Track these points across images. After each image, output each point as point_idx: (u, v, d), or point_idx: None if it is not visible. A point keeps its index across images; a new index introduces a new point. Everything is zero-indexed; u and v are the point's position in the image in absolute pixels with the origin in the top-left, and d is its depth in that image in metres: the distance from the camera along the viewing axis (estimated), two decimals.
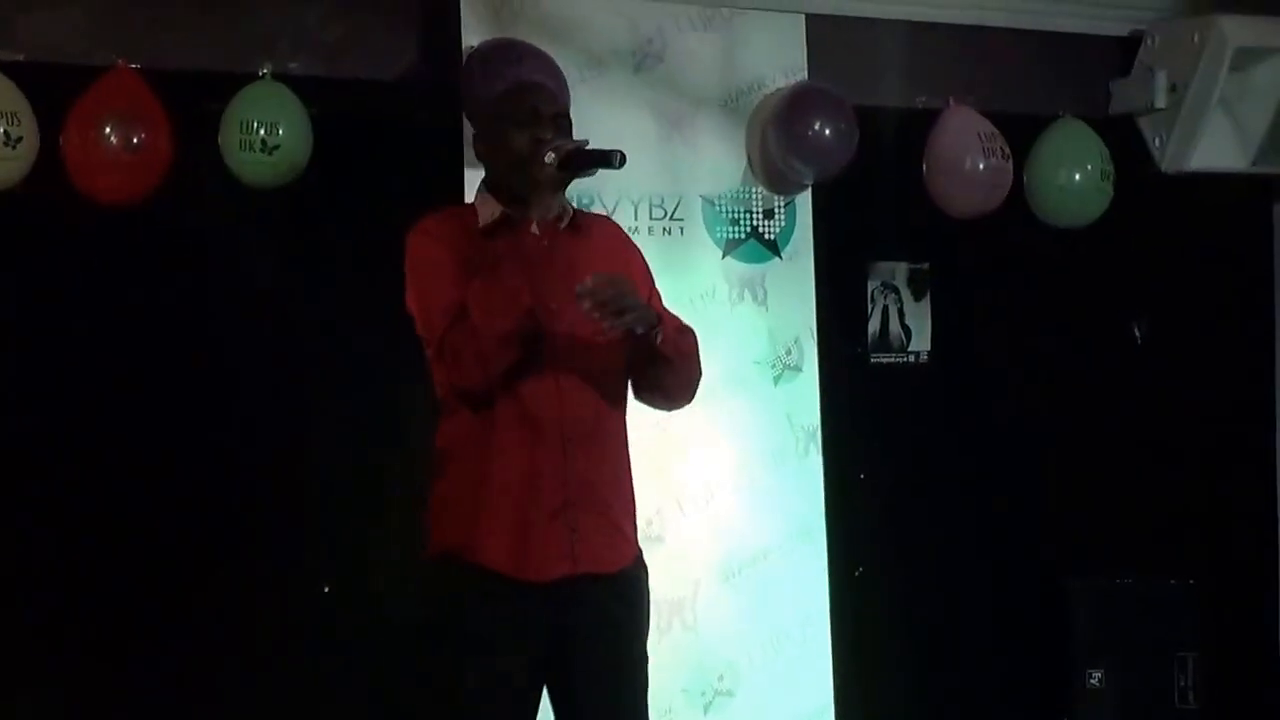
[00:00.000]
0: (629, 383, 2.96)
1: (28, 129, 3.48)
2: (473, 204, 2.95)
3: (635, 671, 2.91)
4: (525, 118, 2.83)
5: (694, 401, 3.64)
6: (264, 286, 3.87)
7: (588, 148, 2.79)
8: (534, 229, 2.74)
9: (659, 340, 2.81)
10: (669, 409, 3.01)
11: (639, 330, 2.76)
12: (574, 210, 2.94)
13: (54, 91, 3.52)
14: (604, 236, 2.99)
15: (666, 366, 2.86)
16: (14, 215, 3.60)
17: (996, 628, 4.60)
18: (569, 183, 2.82)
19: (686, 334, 2.93)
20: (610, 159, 2.72)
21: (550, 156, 2.74)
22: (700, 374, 2.98)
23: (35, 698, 3.65)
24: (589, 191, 3.85)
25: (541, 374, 2.80)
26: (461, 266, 2.76)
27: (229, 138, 3.64)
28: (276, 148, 3.63)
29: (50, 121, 3.53)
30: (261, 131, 3.62)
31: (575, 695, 2.86)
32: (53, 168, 3.54)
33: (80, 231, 3.68)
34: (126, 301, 3.76)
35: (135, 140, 3.52)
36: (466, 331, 2.69)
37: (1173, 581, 4.62)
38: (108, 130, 3.51)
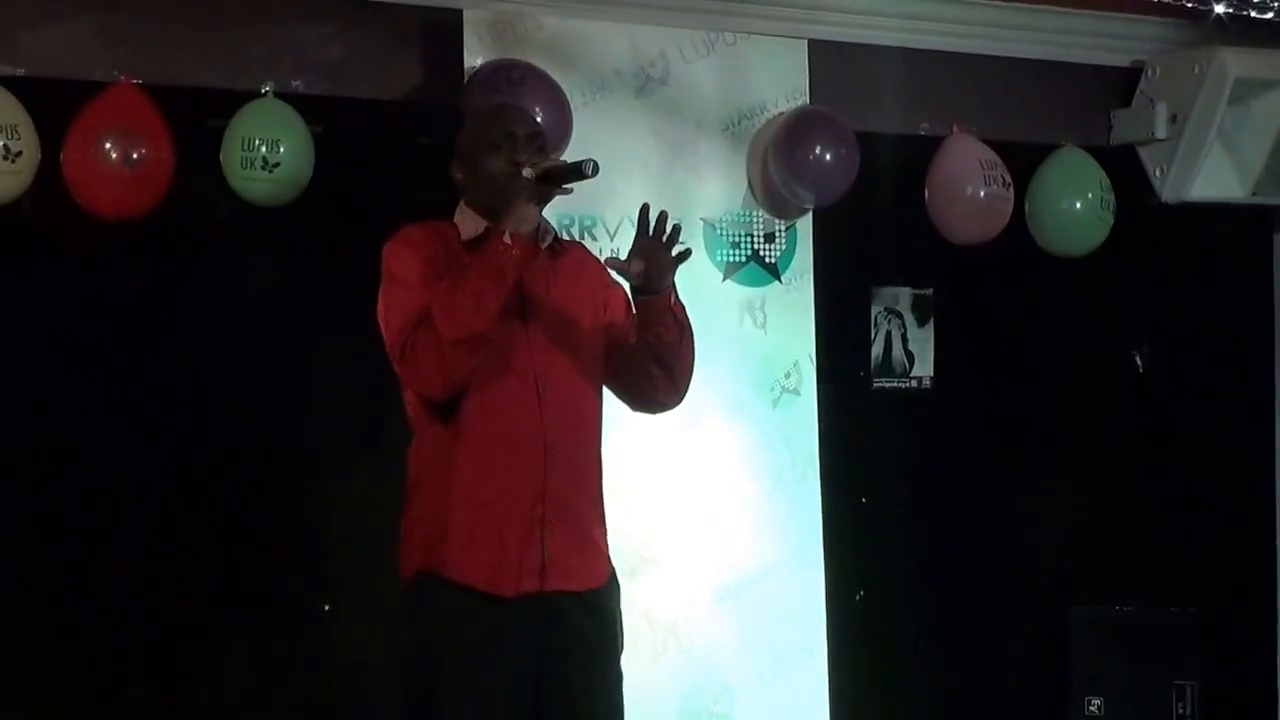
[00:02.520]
0: (622, 389, 2.96)
1: (28, 143, 3.48)
2: (454, 219, 2.95)
3: (611, 692, 2.89)
4: (501, 140, 2.84)
5: (692, 423, 3.66)
6: (264, 304, 3.87)
7: (563, 162, 2.81)
8: (506, 238, 2.73)
9: (673, 300, 2.81)
10: (669, 398, 2.95)
11: (666, 282, 2.77)
12: (555, 234, 2.95)
13: (55, 106, 3.52)
14: (582, 258, 3.01)
15: (677, 334, 2.84)
16: (14, 229, 3.60)
17: (996, 655, 4.58)
18: (549, 198, 2.82)
19: (685, 308, 2.91)
20: (583, 169, 2.73)
21: (528, 172, 2.75)
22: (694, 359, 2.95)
23: (31, 716, 3.63)
24: (591, 214, 3.88)
25: (522, 386, 2.80)
26: (437, 275, 2.77)
27: (230, 154, 3.64)
28: (277, 165, 3.63)
29: (51, 136, 3.53)
30: (263, 149, 3.62)
31: (551, 717, 2.82)
32: (54, 182, 3.54)
33: (81, 246, 3.68)
34: (126, 316, 3.76)
35: (136, 156, 3.52)
36: (429, 334, 2.69)
37: (1173, 610, 4.61)
38: (108, 145, 3.50)
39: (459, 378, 2.72)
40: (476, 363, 2.72)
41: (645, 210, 2.79)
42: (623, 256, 2.85)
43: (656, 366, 2.87)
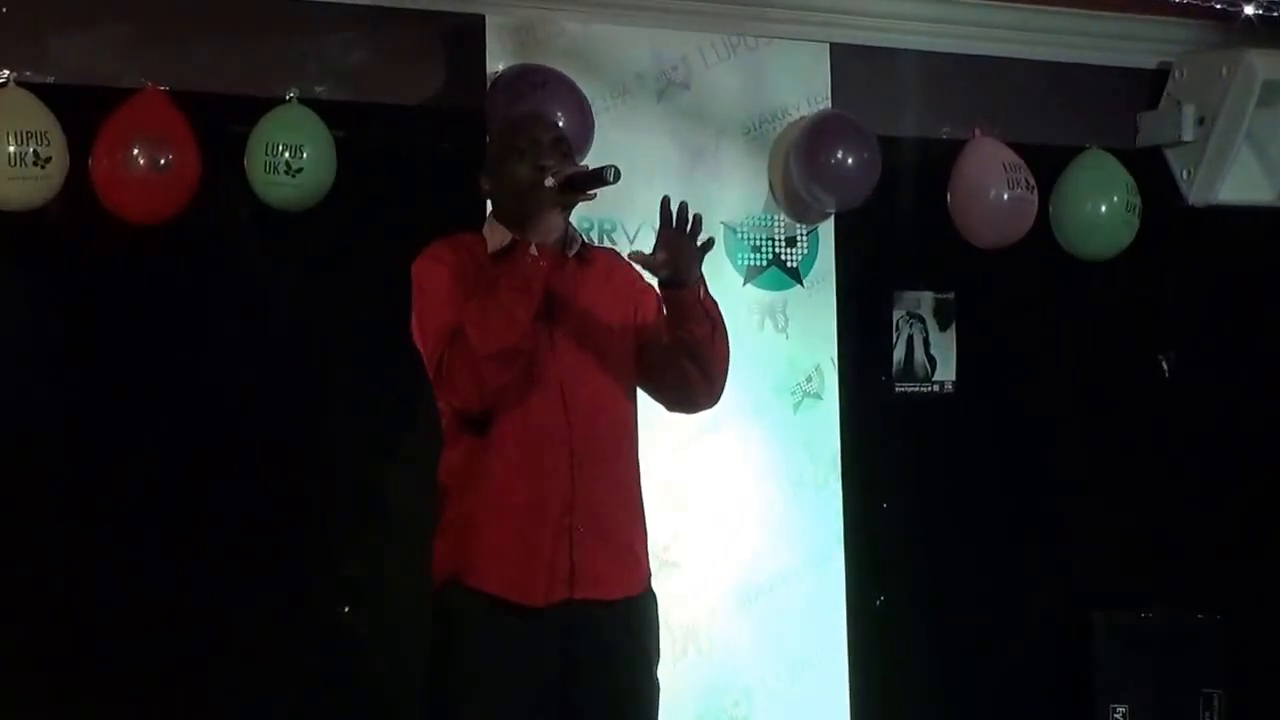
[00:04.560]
0: (657, 389, 2.94)
1: (57, 149, 3.53)
2: (481, 233, 2.94)
3: (643, 703, 2.87)
4: (526, 147, 2.84)
5: (713, 427, 3.66)
6: (286, 308, 3.90)
7: (586, 169, 2.82)
8: (533, 250, 2.74)
9: (703, 294, 2.79)
10: (705, 397, 2.91)
11: (693, 273, 2.75)
12: (583, 241, 2.95)
13: (84, 112, 3.57)
14: (611, 264, 2.99)
15: (709, 329, 2.81)
16: (44, 233, 3.65)
17: (1019, 661, 4.56)
18: (572, 206, 2.82)
19: (716, 303, 2.87)
20: (605, 175, 2.73)
21: (550, 180, 2.76)
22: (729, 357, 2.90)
23: (44, 716, 3.67)
24: (612, 218, 3.89)
25: (548, 395, 2.80)
26: (466, 290, 2.78)
27: (254, 160, 3.68)
28: (300, 171, 3.66)
29: (80, 142, 3.58)
30: (286, 154, 3.66)
31: None
32: (82, 187, 3.59)
33: (108, 250, 3.72)
34: (152, 320, 3.80)
35: (163, 161, 3.56)
36: (463, 350, 2.70)
37: (1200, 616, 4.57)
38: (136, 151, 3.55)
39: (494, 391, 2.72)
40: (511, 375, 2.73)
41: (666, 202, 2.77)
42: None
43: (690, 363, 2.84)
